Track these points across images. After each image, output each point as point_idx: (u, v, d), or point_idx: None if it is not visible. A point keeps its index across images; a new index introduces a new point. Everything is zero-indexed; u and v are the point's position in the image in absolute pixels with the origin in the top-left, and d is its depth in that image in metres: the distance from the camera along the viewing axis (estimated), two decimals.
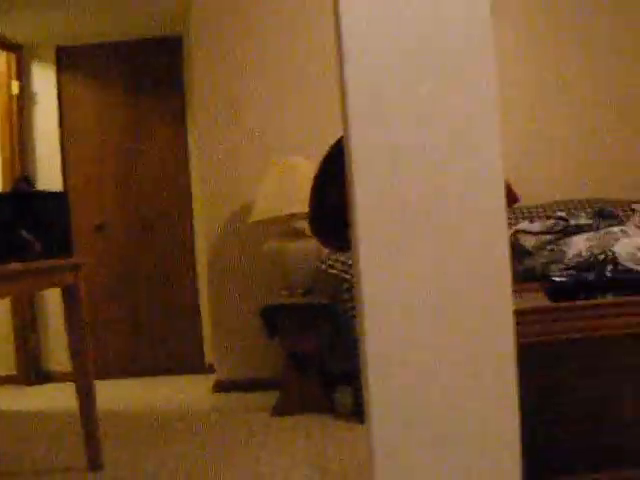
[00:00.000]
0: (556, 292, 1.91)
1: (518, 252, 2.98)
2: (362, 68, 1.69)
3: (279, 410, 5.53)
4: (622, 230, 2.87)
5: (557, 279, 1.92)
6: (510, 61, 6.25)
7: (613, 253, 2.64)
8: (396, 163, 1.70)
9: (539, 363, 1.83)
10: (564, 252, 2.83)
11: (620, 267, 2.51)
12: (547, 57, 6.31)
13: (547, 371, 1.82)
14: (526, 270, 2.85)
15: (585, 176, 6.21)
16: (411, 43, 1.69)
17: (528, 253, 2.94)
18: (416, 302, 1.69)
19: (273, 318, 5.58)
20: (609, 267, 2.48)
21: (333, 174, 2.48)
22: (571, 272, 1.92)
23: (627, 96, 6.32)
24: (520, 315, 1.78)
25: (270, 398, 5.91)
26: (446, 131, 1.71)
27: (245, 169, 6.33)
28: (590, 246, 2.83)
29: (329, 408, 5.43)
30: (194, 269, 7.48)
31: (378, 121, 1.70)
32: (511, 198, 2.87)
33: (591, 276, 1.89)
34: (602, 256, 2.61)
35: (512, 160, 6.16)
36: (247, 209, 6.22)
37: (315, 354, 5.53)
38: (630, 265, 2.66)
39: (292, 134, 6.31)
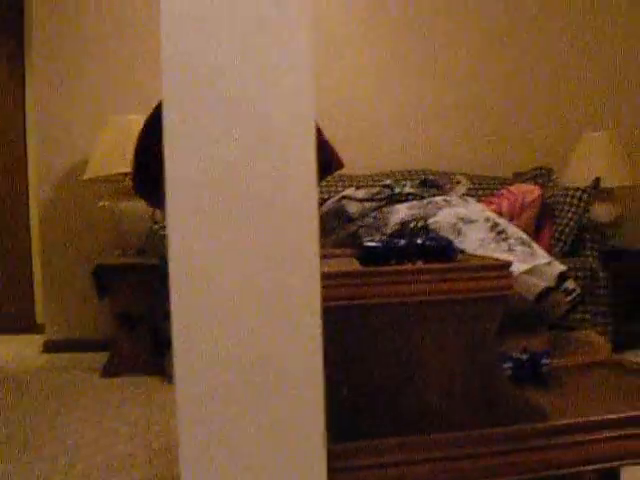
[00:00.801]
0: (367, 257, 1.93)
1: (342, 218, 3.00)
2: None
3: (109, 371, 5.46)
4: (445, 200, 2.92)
5: (368, 244, 1.93)
6: (357, 36, 6.27)
7: (425, 221, 2.69)
8: (207, 140, 1.67)
9: (346, 326, 1.84)
10: (387, 219, 2.86)
11: (432, 234, 2.56)
12: (398, 31, 6.35)
13: (354, 334, 1.84)
14: (349, 236, 2.87)
15: (422, 148, 6.31)
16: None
17: (352, 219, 2.96)
18: (224, 266, 1.68)
19: (105, 278, 5.50)
20: (420, 234, 2.52)
21: (154, 134, 2.44)
22: (384, 238, 1.94)
23: (472, 73, 6.44)
24: (327, 278, 1.79)
25: (102, 359, 5.83)
26: (256, 116, 1.69)
27: (83, 124, 6.19)
28: (413, 214, 2.87)
29: (160, 370, 5.39)
30: (27, 224, 7.28)
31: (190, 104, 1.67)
32: (335, 163, 2.88)
33: (402, 242, 1.91)
34: (414, 224, 2.66)
35: (358, 129, 6.20)
36: (83, 165, 6.09)
37: (146, 315, 5.47)
38: (445, 233, 2.71)
39: (133, 91, 6.19)
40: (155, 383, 5.21)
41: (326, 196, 3.58)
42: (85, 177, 5.75)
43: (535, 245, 2.78)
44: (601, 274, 5.34)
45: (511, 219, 5.36)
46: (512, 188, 5.58)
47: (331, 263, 2.11)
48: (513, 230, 2.80)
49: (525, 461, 1.97)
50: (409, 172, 5.83)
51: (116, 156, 5.53)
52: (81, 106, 6.18)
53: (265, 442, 1.74)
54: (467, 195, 5.64)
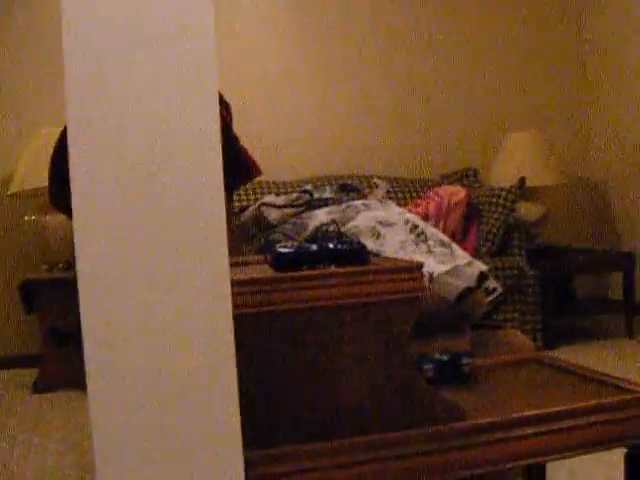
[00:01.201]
0: (279, 263, 1.92)
1: (262, 225, 2.99)
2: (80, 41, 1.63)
3: (39, 387, 5.38)
4: (364, 203, 2.92)
5: (280, 250, 1.92)
6: (275, 41, 6.27)
7: (338, 226, 2.69)
8: (111, 147, 1.66)
9: (259, 333, 1.83)
10: (306, 225, 2.86)
11: (345, 239, 2.56)
12: (316, 37, 6.35)
13: (267, 341, 1.83)
14: (268, 243, 2.87)
15: (343, 152, 6.31)
16: (129, 13, 1.65)
17: (272, 226, 2.95)
18: (132, 278, 1.66)
19: (32, 293, 5.42)
20: (332, 239, 2.53)
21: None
22: (296, 244, 1.93)
23: (393, 76, 6.46)
24: (238, 285, 1.78)
25: (32, 374, 5.75)
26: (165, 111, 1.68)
27: (7, 138, 6.11)
28: (332, 219, 2.87)
29: None
30: None
31: (97, 105, 1.65)
32: (253, 170, 2.88)
33: (313, 247, 1.91)
34: (326, 228, 2.66)
35: (278, 135, 6.20)
36: (7, 180, 6.00)
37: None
38: (364, 237, 2.72)
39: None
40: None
41: (246, 203, 3.58)
42: (10, 192, 5.67)
43: (455, 246, 2.80)
44: (529, 272, 5.39)
45: (438, 220, 5.40)
46: (438, 190, 5.61)
47: (244, 270, 2.11)
48: (433, 232, 2.82)
49: (446, 461, 1.97)
50: (330, 177, 5.83)
51: (41, 169, 5.46)
52: (4, 119, 6.10)
53: (181, 451, 1.72)
54: (389, 198, 5.67)
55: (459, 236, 5.50)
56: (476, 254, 5.47)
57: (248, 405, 1.81)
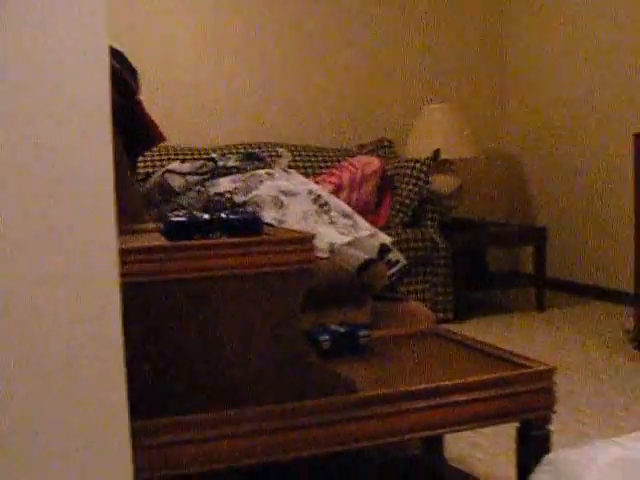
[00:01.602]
0: (172, 232, 1.89)
1: (166, 192, 2.95)
2: None
3: None
4: (268, 172, 2.90)
5: (172, 219, 1.89)
6: (199, 5, 6.16)
7: (231, 194, 2.66)
8: None
9: (149, 302, 1.80)
10: (209, 193, 2.83)
11: (237, 209, 2.54)
12: (222, 6, 6.22)
13: (157, 310, 1.80)
14: (172, 210, 2.83)
15: (253, 120, 6.21)
16: None
17: (176, 193, 2.91)
18: (20, 256, 1.61)
19: None
20: (225, 208, 2.50)
21: None
22: (189, 212, 1.91)
23: (309, 46, 6.40)
24: (127, 254, 1.74)
25: None
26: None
27: None
28: (236, 187, 2.84)
29: None
30: None
31: None
32: (156, 136, 2.83)
33: (205, 217, 1.88)
34: (222, 198, 2.64)
35: (185, 102, 6.10)
36: None
37: None
38: (267, 207, 2.70)
39: None
40: None
41: (151, 170, 3.53)
42: None
43: (358, 217, 2.79)
44: (441, 244, 5.41)
45: (352, 191, 5.39)
46: (353, 160, 5.60)
47: (139, 239, 2.07)
48: (336, 203, 2.80)
49: (335, 433, 1.97)
50: (242, 145, 5.75)
51: None
52: None
53: (68, 422, 1.68)
54: (304, 167, 5.65)
55: (372, 207, 5.50)
56: (389, 225, 5.47)
57: (137, 375, 1.78)
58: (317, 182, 5.34)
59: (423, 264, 5.38)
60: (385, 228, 5.39)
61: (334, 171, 5.56)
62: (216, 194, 2.70)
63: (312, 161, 5.87)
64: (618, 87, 5.90)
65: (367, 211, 5.43)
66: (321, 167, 5.84)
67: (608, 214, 6.01)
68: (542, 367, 2.18)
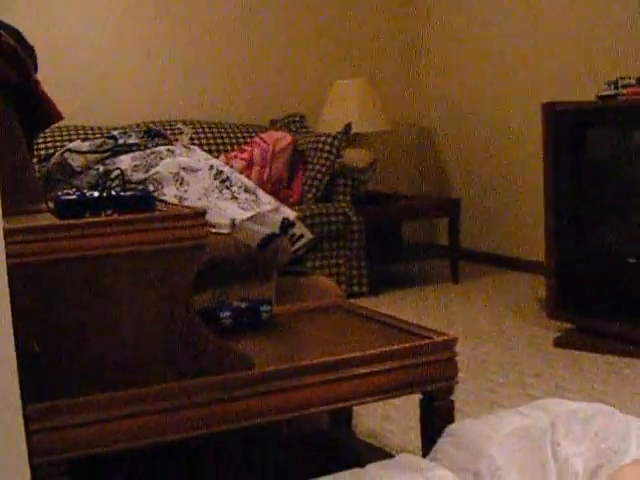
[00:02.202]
0: (62, 210, 1.85)
1: (67, 172, 2.89)
2: None
3: None
4: (168, 149, 2.85)
5: (62, 197, 1.85)
6: None
7: (122, 171, 2.61)
8: None
9: (38, 283, 1.76)
10: (110, 171, 2.77)
11: (129, 185, 2.50)
12: None
13: (47, 291, 1.76)
14: (71, 190, 2.77)
15: (160, 99, 6.12)
16: None
17: (76, 173, 2.86)
18: None
19: None
20: (115, 185, 2.46)
21: None
22: (79, 191, 1.87)
23: (214, 23, 6.33)
24: (12, 234, 1.70)
25: None
26: None
27: None
28: (136, 165, 2.79)
29: None
30: None
31: None
32: (53, 115, 2.77)
33: (95, 194, 1.84)
34: (114, 175, 2.59)
35: (85, 80, 5.99)
36: None
37: None
38: (167, 183, 2.66)
39: None
40: None
41: (52, 150, 3.47)
42: None
43: (260, 192, 2.76)
44: (354, 218, 5.42)
45: (264, 166, 5.37)
46: (264, 136, 5.57)
47: (27, 219, 2.02)
48: (238, 178, 2.77)
49: (234, 410, 1.95)
50: (146, 123, 5.66)
51: None
52: None
53: None
54: (215, 145, 5.61)
55: (285, 182, 5.49)
56: (302, 200, 5.46)
57: (29, 359, 1.73)
58: (228, 159, 5.32)
59: (337, 239, 5.38)
60: (298, 203, 5.39)
61: (245, 147, 5.53)
62: (113, 171, 2.65)
63: (224, 137, 5.83)
64: (528, 58, 5.95)
65: (280, 186, 5.42)
66: (233, 143, 5.80)
67: (520, 185, 6.07)
68: (443, 337, 2.18)
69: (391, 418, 3.44)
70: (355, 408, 3.14)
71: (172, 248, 1.80)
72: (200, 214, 1.82)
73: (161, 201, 2.15)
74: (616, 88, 4.31)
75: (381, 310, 2.65)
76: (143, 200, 1.88)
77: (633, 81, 4.26)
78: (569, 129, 4.38)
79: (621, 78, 4.31)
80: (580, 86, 5.07)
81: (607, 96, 4.31)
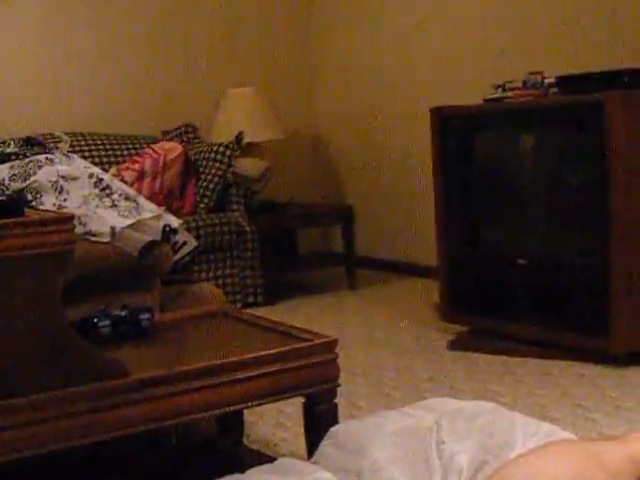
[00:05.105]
0: None
1: None
2: None
3: None
4: (47, 158, 2.80)
5: None
6: None
7: (25, 180, 2.57)
8: None
9: None
10: None
11: (8, 192, 2.46)
12: None
13: None
14: None
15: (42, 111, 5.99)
16: None
17: None
18: None
19: None
20: None
21: None
22: None
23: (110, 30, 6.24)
24: None
25: None
26: None
27: None
28: (14, 174, 2.74)
29: None
30: None
31: None
32: None
33: None
34: None
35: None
36: None
37: None
38: (46, 192, 2.61)
39: None
40: None
41: None
42: None
43: (142, 200, 2.73)
44: (248, 228, 5.39)
45: (155, 177, 5.31)
46: (155, 146, 5.53)
47: None
48: (118, 186, 2.74)
49: (113, 418, 1.91)
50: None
51: None
52: None
53: None
54: (104, 156, 5.54)
55: (177, 193, 5.44)
56: (195, 211, 5.42)
57: None
58: (119, 170, 5.26)
59: (230, 248, 5.35)
60: (191, 213, 5.35)
61: (137, 158, 5.47)
62: None
63: (115, 149, 5.75)
64: (416, 65, 6.00)
65: (172, 197, 5.38)
66: (124, 155, 5.72)
67: (411, 190, 6.10)
68: (324, 339, 2.18)
69: (283, 426, 3.41)
70: (247, 417, 3.11)
71: (38, 254, 1.75)
72: (67, 219, 1.78)
73: (34, 208, 2.10)
74: (503, 91, 4.37)
75: (277, 319, 2.63)
76: (11, 205, 1.84)
77: (519, 84, 4.33)
78: (457, 133, 4.42)
79: (508, 81, 4.37)
80: (468, 91, 5.12)
81: (494, 99, 4.37)
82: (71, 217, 1.79)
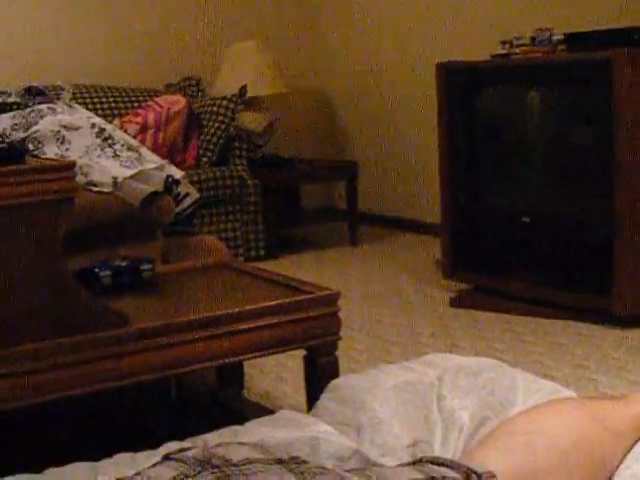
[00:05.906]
0: None
1: None
2: None
3: None
4: (49, 107, 2.78)
5: None
6: None
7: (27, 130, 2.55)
8: None
9: None
10: None
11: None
12: None
13: None
14: None
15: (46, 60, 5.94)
16: None
17: None
18: None
19: None
20: None
21: None
22: None
23: None
24: None
25: None
26: None
27: None
28: (15, 124, 2.72)
29: None
30: None
31: None
32: None
33: None
34: None
35: None
36: None
37: None
38: (48, 142, 2.59)
39: None
40: None
41: None
42: None
43: (144, 150, 2.71)
44: (250, 182, 5.37)
45: (158, 130, 5.28)
46: (159, 99, 5.49)
47: None
48: (121, 136, 2.72)
49: (115, 368, 1.91)
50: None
51: None
52: None
53: None
54: (104, 109, 5.51)
55: (180, 146, 5.41)
56: (198, 164, 5.40)
57: None
58: (122, 123, 5.22)
59: (232, 202, 5.33)
60: (194, 167, 5.33)
61: (139, 111, 5.44)
62: None
63: (118, 101, 5.72)
64: (422, 20, 5.95)
65: (175, 150, 5.35)
66: (127, 108, 5.69)
67: (415, 147, 6.08)
68: (325, 292, 2.16)
69: (284, 379, 3.41)
70: (248, 370, 3.11)
71: (39, 201, 1.74)
72: (68, 166, 1.76)
73: (35, 156, 2.09)
74: (510, 47, 4.33)
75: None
76: (11, 153, 1.82)
77: (527, 40, 4.28)
78: (463, 89, 4.38)
79: (515, 38, 4.33)
80: (475, 46, 5.07)
81: (501, 55, 4.33)
82: (72, 164, 1.77)
